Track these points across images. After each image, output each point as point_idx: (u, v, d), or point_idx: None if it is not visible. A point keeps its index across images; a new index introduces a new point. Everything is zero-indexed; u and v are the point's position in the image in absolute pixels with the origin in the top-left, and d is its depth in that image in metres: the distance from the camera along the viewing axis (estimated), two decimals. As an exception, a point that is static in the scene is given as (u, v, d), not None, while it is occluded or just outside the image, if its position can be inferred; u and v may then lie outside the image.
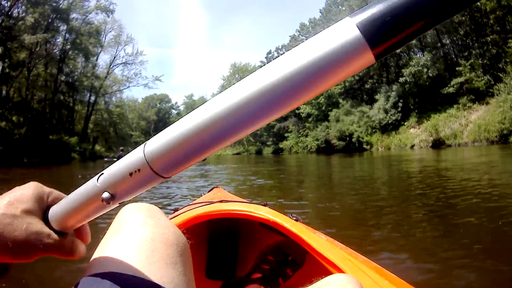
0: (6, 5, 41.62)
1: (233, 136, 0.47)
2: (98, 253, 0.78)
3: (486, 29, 41.33)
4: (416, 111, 44.92)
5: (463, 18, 41.32)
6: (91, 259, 0.76)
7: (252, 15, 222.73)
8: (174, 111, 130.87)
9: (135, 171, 0.54)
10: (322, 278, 0.84)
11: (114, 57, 63.26)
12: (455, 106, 39.48)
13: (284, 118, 71.70)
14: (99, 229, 4.40)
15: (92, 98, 59.96)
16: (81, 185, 0.62)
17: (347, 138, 50.23)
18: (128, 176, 0.56)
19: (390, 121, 46.22)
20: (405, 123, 45.07)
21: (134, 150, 0.53)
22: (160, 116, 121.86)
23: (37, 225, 0.64)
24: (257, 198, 7.45)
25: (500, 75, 35.48)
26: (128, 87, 66.10)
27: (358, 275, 1.17)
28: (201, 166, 22.98)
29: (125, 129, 73.15)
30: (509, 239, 3.70)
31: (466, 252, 3.32)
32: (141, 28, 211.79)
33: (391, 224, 4.59)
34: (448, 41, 45.89)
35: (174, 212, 2.00)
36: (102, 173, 0.58)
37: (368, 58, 0.40)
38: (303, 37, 67.06)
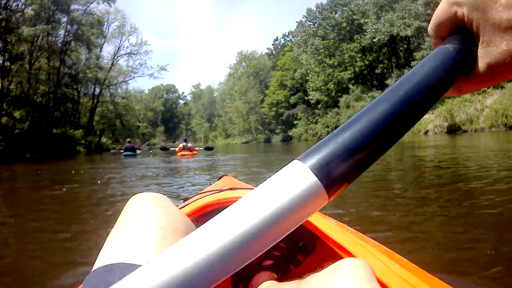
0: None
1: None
2: (107, 244, 0.78)
3: None
4: (428, 96, 43.29)
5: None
6: (100, 250, 0.76)
7: (258, 2, 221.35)
8: (181, 101, 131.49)
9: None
10: (333, 263, 0.84)
11: (118, 48, 62.40)
12: (469, 90, 37.95)
13: (292, 105, 71.18)
14: (107, 219, 4.51)
15: (97, 90, 59.31)
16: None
17: (358, 125, 48.78)
18: None
19: (401, 107, 44.54)
20: None
21: None
22: (167, 107, 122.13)
23: None
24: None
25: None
26: (133, 77, 65.08)
27: (369, 259, 1.17)
28: (208, 156, 22.31)
29: (131, 120, 72.18)
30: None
31: (482, 240, 3.15)
32: (146, 19, 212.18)
33: (405, 211, 4.38)
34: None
35: (184, 202, 1.96)
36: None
37: (322, 200, 0.41)
38: (310, 23, 66.28)
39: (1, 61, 39.94)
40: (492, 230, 3.40)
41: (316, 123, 62.25)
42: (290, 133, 71.37)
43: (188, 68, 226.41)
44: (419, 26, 42.04)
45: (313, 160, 0.41)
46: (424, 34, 47.50)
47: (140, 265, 0.56)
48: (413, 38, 49.34)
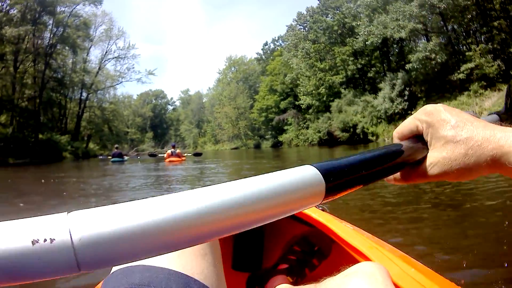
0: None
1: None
2: None
3: (492, 14, 39.52)
4: (424, 99, 42.85)
5: (468, 2, 39.30)
6: None
7: (247, 7, 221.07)
8: (170, 107, 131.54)
9: (43, 240, 0.35)
10: (349, 267, 0.88)
11: (106, 52, 61.86)
12: (465, 93, 37.60)
13: (283, 111, 70.68)
14: None
15: (84, 94, 58.64)
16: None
17: (351, 129, 48.73)
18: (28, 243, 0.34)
19: (396, 111, 44.11)
20: (413, 112, 41.81)
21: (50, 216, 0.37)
22: (156, 112, 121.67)
23: None
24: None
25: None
26: (121, 82, 64.47)
27: (385, 263, 1.18)
28: (197, 163, 21.63)
29: (119, 126, 71.88)
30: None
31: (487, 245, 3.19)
32: (134, 24, 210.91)
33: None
34: (454, 27, 43.84)
35: None
36: None
37: (320, 197, 0.52)
38: (301, 27, 65.66)
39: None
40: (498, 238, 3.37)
41: (307, 128, 61.35)
42: (280, 139, 70.64)
43: (177, 74, 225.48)
44: (413, 28, 41.19)
45: (323, 167, 0.53)
46: (419, 36, 46.80)
47: (160, 267, 0.68)
48: (406, 41, 48.69)
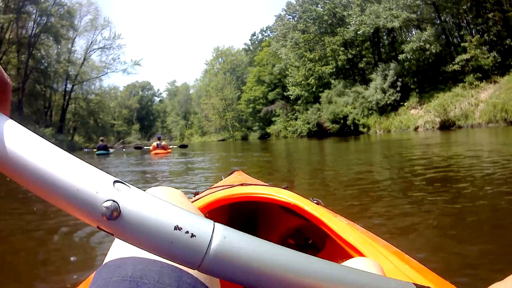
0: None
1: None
2: (116, 244, 0.77)
3: (486, 6, 38.95)
4: (416, 90, 42.09)
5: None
6: (111, 245, 0.76)
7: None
8: (156, 99, 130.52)
9: (185, 231, 0.42)
10: (342, 262, 0.86)
11: (91, 42, 60.56)
12: (460, 84, 36.76)
13: (270, 102, 69.92)
14: None
15: (69, 86, 57.69)
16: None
17: (341, 121, 47.57)
18: None
19: (388, 102, 43.17)
20: (405, 104, 42.23)
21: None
22: (142, 104, 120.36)
23: None
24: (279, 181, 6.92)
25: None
26: (107, 73, 63.47)
27: (379, 259, 1.20)
28: (183, 156, 20.66)
29: (105, 118, 71.51)
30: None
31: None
32: (121, 15, 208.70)
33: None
34: (447, 19, 43.07)
35: (195, 196, 2.04)
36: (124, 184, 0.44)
37: None
38: (290, 16, 64.63)
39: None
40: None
41: (296, 119, 60.32)
42: (268, 130, 69.58)
43: (164, 65, 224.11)
44: (407, 18, 40.30)
45: None
46: (411, 27, 46.03)
47: (152, 260, 0.67)
48: (398, 32, 47.94)
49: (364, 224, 3.44)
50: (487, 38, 37.40)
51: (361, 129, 44.99)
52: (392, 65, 43.71)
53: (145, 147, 34.70)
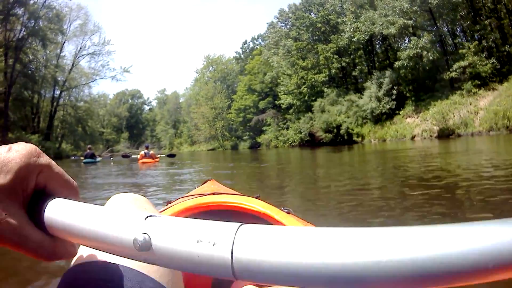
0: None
1: None
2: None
3: (482, 13, 38.75)
4: (412, 98, 41.25)
5: (460, -1, 38.07)
6: (78, 249, 0.75)
7: (227, 5, 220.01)
8: (146, 107, 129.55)
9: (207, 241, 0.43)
10: None
11: (80, 48, 59.34)
12: (457, 92, 35.96)
13: (261, 111, 69.32)
14: None
15: (57, 92, 56.48)
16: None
17: (335, 130, 46.72)
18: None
19: (383, 110, 42.31)
20: (401, 112, 41.46)
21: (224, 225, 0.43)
22: (132, 112, 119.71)
23: (18, 219, 0.55)
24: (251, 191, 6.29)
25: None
26: (95, 80, 62.22)
27: None
28: (170, 167, 19.81)
29: (94, 126, 70.30)
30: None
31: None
32: (111, 22, 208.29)
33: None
34: (443, 25, 42.49)
35: (167, 204, 2.05)
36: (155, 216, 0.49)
37: None
38: (282, 24, 64.07)
39: None
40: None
41: (287, 128, 59.46)
42: (258, 140, 68.82)
43: (155, 74, 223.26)
44: (404, 24, 39.56)
45: None
46: (405, 35, 45.35)
47: (116, 264, 0.69)
48: (392, 39, 47.22)
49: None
50: (485, 44, 36.86)
51: (355, 138, 44.05)
52: (388, 72, 42.91)
53: (132, 156, 33.96)
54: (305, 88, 54.95)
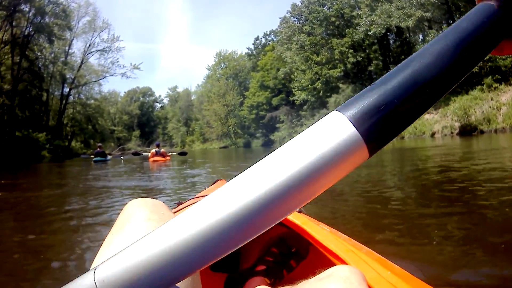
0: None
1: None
2: (103, 249, 0.79)
3: None
4: (431, 94, 39.98)
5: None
6: (96, 256, 0.78)
7: (238, 5, 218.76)
8: (157, 105, 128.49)
9: None
10: (325, 270, 0.86)
11: (89, 45, 58.87)
12: (478, 87, 35.08)
13: (274, 108, 68.51)
14: (103, 224, 4.53)
15: (66, 90, 56.05)
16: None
17: (351, 127, 45.44)
18: None
19: (402, 106, 41.05)
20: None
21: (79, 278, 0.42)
22: (143, 110, 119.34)
23: None
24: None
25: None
26: (105, 77, 61.51)
27: (361, 267, 1.21)
28: (181, 166, 18.91)
29: (104, 123, 70.17)
30: None
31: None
32: (122, 21, 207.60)
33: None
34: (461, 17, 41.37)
35: (177, 206, 2.07)
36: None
37: (363, 155, 0.40)
38: (295, 19, 62.86)
39: None
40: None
41: (301, 125, 58.66)
42: (272, 137, 68.02)
43: (166, 71, 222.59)
44: (421, 16, 38.49)
45: (354, 111, 0.40)
46: (422, 29, 44.37)
47: None
48: (409, 33, 46.26)
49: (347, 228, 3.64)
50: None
51: (371, 135, 42.86)
52: (401, 67, 41.77)
53: (143, 154, 33.81)
54: (320, 84, 54.23)
